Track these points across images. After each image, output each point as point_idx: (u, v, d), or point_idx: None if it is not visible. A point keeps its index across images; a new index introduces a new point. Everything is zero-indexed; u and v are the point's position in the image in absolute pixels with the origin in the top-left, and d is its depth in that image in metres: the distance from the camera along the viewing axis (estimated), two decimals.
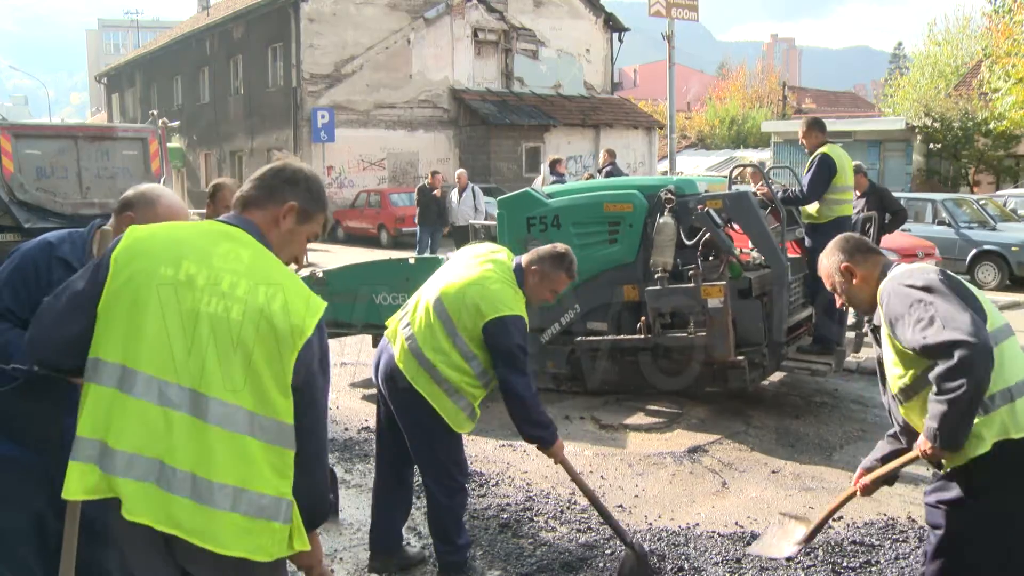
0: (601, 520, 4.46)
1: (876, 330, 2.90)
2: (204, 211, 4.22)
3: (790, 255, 6.60)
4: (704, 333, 5.85)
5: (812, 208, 6.88)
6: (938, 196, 15.10)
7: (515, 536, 4.26)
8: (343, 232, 22.54)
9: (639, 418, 6.25)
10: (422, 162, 24.89)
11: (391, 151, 25.49)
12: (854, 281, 2.91)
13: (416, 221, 15.85)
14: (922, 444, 2.63)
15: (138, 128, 13.55)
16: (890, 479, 3.11)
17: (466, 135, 26.02)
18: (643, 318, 6.21)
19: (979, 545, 2.64)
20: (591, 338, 6.50)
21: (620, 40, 29.65)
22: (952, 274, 2.75)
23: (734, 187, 7.00)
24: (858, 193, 8.40)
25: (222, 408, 1.97)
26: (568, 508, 4.62)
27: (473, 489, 4.89)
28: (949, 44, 37.73)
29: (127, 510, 1.95)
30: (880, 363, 2.91)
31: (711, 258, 6.16)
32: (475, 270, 3.59)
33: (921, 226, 13.43)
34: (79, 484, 1.98)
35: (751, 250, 6.69)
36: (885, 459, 3.07)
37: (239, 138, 27.74)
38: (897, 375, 2.74)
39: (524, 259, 3.67)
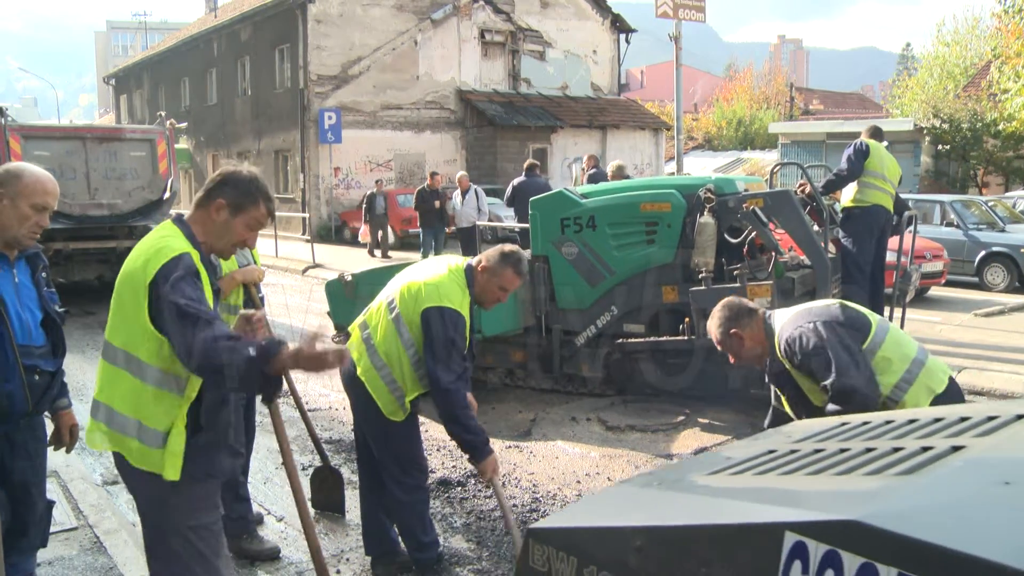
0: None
1: (775, 374, 3.37)
2: None
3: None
4: None
5: (848, 192, 6.91)
6: (946, 197, 15.03)
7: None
8: (350, 233, 22.55)
9: (646, 420, 6.23)
10: (429, 163, 24.83)
11: (398, 152, 25.49)
12: (745, 344, 3.29)
13: (419, 223, 15.88)
14: None
15: (146, 129, 13.57)
16: None
17: (473, 136, 26.02)
18: (687, 319, 6.11)
19: None
20: (632, 340, 6.38)
21: (627, 41, 29.58)
22: (833, 307, 3.26)
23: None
24: None
25: (112, 351, 2.55)
26: None
27: (480, 490, 4.90)
28: (958, 45, 37.62)
29: (91, 441, 2.59)
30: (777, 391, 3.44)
31: (755, 257, 6.08)
32: (428, 272, 3.70)
33: (929, 228, 13.35)
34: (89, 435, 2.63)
35: (789, 250, 6.64)
36: None
37: (246, 139, 27.79)
38: (818, 397, 3.20)
39: (475, 260, 3.73)
